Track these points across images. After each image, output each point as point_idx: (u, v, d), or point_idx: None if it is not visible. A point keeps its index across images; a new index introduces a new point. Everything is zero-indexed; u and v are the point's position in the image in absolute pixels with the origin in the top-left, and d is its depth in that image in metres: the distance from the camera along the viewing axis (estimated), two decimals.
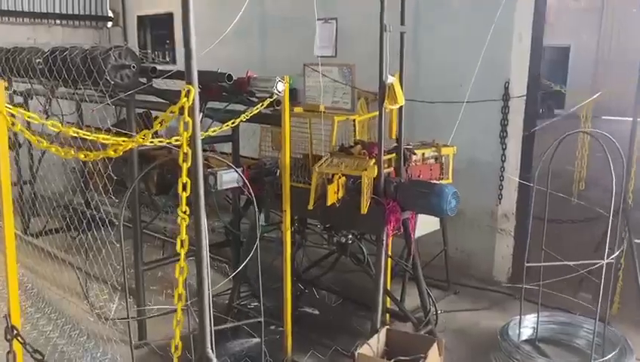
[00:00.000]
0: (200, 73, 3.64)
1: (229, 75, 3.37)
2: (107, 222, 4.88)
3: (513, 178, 4.58)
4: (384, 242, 3.44)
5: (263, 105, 3.26)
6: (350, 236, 3.75)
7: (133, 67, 3.26)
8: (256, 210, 3.07)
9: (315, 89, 6.23)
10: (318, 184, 3.44)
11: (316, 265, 4.52)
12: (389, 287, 4.03)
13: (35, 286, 4.86)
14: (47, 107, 4.94)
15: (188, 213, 1.89)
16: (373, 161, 3.39)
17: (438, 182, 3.62)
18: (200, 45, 2.37)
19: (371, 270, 3.97)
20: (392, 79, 3.35)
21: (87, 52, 3.42)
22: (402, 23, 3.49)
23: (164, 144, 2.85)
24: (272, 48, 6.54)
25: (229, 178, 3.81)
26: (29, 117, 2.10)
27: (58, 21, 8.13)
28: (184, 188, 1.84)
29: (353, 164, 3.41)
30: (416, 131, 4.42)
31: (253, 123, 4.02)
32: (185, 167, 1.81)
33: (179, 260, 3.88)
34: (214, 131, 3.18)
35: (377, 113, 3.65)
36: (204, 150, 3.65)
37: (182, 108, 1.91)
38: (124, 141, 2.04)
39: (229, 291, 4.46)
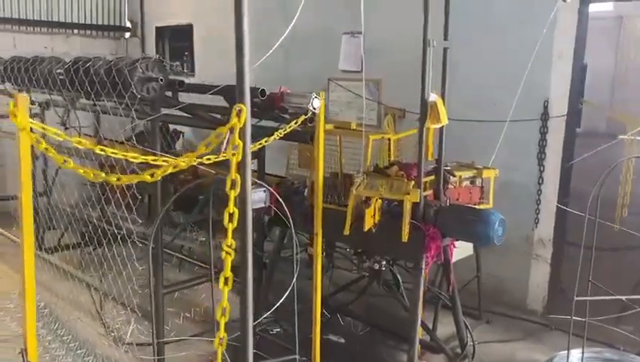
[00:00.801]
0: (230, 88, 3.49)
1: (263, 90, 3.18)
2: (124, 239, 4.70)
3: (553, 203, 4.34)
4: (422, 271, 3.21)
5: (297, 122, 3.06)
6: (384, 262, 3.52)
7: (161, 80, 3.08)
8: (293, 232, 2.86)
9: (338, 104, 6.05)
10: (353, 207, 3.22)
11: (343, 290, 4.29)
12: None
13: (47, 306, 4.65)
14: (65, 119, 4.78)
15: (234, 247, 1.67)
16: (412, 183, 3.17)
17: (480, 207, 3.40)
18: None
19: (404, 298, 3.74)
20: (434, 97, 3.14)
21: (111, 63, 3.24)
22: (445, 38, 3.29)
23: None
24: (294, 63, 6.37)
25: (257, 198, 3.60)
26: (55, 133, 1.91)
27: (76, 31, 8.03)
28: (231, 218, 1.63)
29: (391, 186, 3.19)
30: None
31: (282, 140, 3.84)
32: (233, 195, 1.60)
33: (201, 283, 3.67)
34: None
35: (411, 132, 3.46)
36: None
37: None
38: (164, 162, 1.83)
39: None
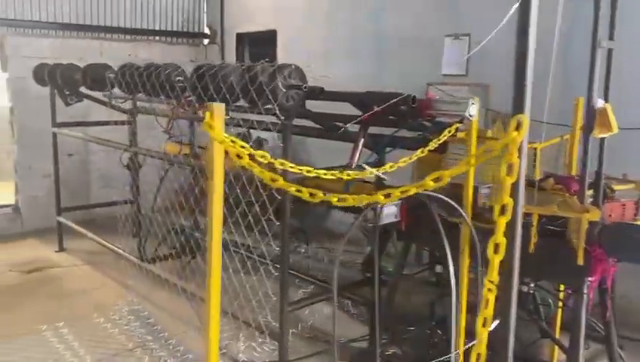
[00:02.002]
0: (375, 94, 3.28)
1: (414, 96, 2.93)
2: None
3: None
4: (585, 296, 2.89)
5: (451, 131, 2.80)
6: (532, 284, 3.21)
7: (305, 88, 2.88)
8: (447, 248, 2.59)
9: None
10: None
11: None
12: None
13: (151, 316, 4.55)
14: (170, 128, 4.68)
15: (497, 283, 1.42)
16: (574, 198, 2.86)
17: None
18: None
19: (549, 325, 3.42)
20: (601, 103, 2.83)
21: (244, 70, 3.07)
22: (611, 38, 2.96)
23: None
24: (387, 67, 6.12)
25: (389, 211, 3.38)
26: (262, 157, 1.71)
27: (157, 38, 8.04)
28: (497, 249, 1.38)
29: (550, 202, 2.89)
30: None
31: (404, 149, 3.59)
32: (503, 221, 1.35)
33: (324, 300, 3.43)
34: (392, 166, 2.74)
35: (554, 140, 3.15)
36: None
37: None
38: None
39: (367, 337, 4.01)
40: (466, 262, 2.99)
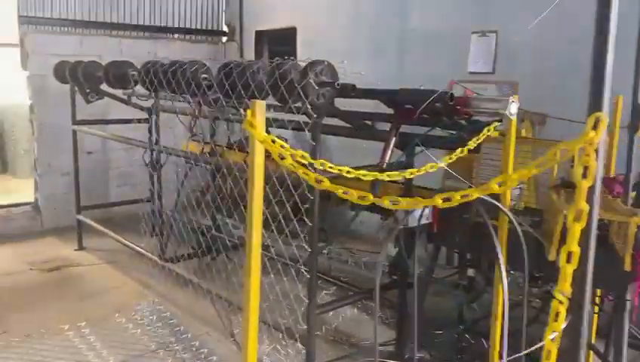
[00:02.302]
0: (410, 91, 3.18)
1: (452, 93, 2.83)
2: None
3: None
4: (628, 304, 2.77)
5: (490, 129, 2.70)
6: None
7: (338, 85, 2.79)
8: (499, 251, 2.48)
9: None
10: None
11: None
12: None
13: (173, 317, 4.49)
14: (192, 126, 4.61)
15: (568, 295, 1.31)
16: (617, 200, 2.74)
17: None
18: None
19: None
20: None
21: (273, 66, 2.99)
22: None
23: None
24: (412, 65, 6.01)
25: (421, 213, 3.28)
26: (302, 156, 1.63)
27: (176, 35, 8.00)
28: (569, 259, 1.27)
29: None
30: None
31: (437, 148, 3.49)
32: (578, 228, 1.25)
33: (352, 303, 3.33)
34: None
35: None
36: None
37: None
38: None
39: (393, 341, 3.92)
40: (504, 265, 2.87)
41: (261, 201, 1.72)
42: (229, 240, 4.87)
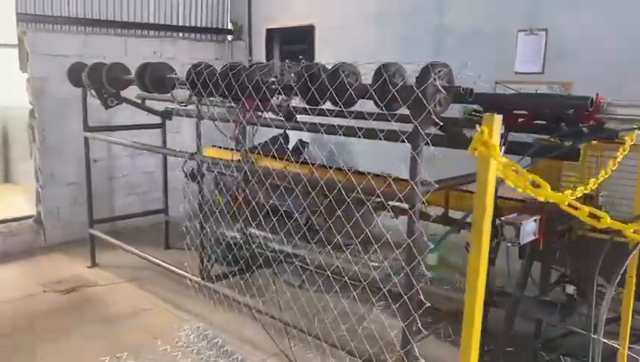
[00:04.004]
0: (545, 97, 2.91)
1: (592, 99, 2.56)
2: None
3: None
4: None
5: (632, 138, 2.44)
6: None
7: (463, 90, 2.49)
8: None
9: None
10: None
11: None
12: None
13: (225, 343, 4.10)
14: (237, 133, 4.23)
15: None
16: None
17: None
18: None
19: None
20: None
21: (380, 67, 2.66)
22: None
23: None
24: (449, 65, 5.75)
25: (530, 228, 3.01)
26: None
27: (181, 34, 7.54)
28: None
29: None
30: None
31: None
32: None
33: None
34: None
35: None
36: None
37: None
38: None
39: None
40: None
41: (487, 240, 1.42)
42: (272, 254, 4.53)
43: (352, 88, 2.72)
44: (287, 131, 6.56)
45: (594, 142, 3.14)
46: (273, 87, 3.28)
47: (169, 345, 4.07)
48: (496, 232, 3.52)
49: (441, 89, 2.42)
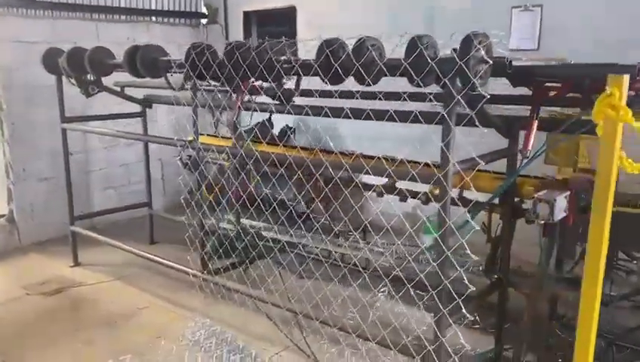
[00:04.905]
0: (580, 67, 2.81)
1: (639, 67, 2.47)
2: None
3: None
4: None
5: None
6: None
7: (509, 62, 2.37)
8: None
9: None
10: None
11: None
12: None
13: (234, 339, 3.90)
14: (236, 118, 4.01)
15: None
16: None
17: None
18: None
19: None
20: None
21: (413, 39, 2.51)
22: None
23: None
24: (441, 45, 5.65)
25: (562, 205, 2.93)
26: None
27: (154, 18, 7.17)
28: None
29: None
30: None
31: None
32: None
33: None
34: None
35: None
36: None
37: None
38: None
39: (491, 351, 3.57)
40: None
41: (608, 216, 1.31)
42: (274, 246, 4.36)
43: (383, 63, 2.55)
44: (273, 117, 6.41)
45: None
46: (285, 66, 3.07)
47: (174, 344, 3.85)
48: (514, 211, 3.49)
49: (487, 59, 2.28)
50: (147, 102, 5.76)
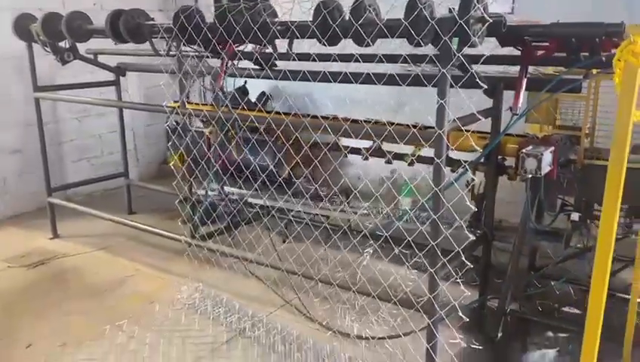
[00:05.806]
0: (569, 26, 2.91)
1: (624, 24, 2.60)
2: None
3: None
4: None
5: None
6: None
7: (504, 18, 2.45)
8: None
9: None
10: None
11: None
12: None
13: (229, 301, 3.97)
14: (222, 85, 4.00)
15: None
16: None
17: None
18: None
19: None
20: None
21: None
22: None
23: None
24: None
25: (548, 160, 3.09)
26: None
27: None
28: None
29: None
30: None
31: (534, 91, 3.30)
32: None
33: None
34: None
35: None
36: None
37: None
38: None
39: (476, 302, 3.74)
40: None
41: (625, 162, 1.42)
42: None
43: (382, 23, 2.60)
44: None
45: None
46: (279, 28, 3.09)
47: (169, 308, 3.90)
48: (499, 168, 3.64)
49: (488, 18, 2.37)
50: (121, 70, 5.64)
